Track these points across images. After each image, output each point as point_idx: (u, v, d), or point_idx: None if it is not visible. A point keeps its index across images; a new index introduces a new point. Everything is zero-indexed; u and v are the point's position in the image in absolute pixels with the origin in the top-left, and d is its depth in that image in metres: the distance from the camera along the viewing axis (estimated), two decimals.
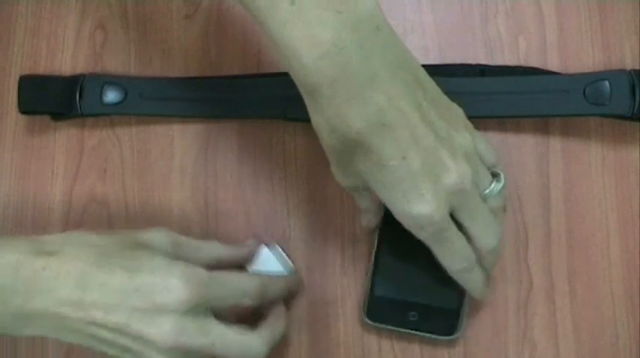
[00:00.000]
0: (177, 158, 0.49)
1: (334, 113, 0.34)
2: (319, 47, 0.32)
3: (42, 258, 0.36)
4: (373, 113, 0.33)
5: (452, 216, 0.37)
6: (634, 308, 0.44)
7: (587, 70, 0.47)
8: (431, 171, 0.35)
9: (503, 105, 0.45)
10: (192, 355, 0.37)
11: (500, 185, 0.38)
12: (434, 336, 0.43)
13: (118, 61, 0.50)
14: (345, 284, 0.46)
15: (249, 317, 0.42)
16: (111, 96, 0.48)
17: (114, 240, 0.39)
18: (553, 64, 0.47)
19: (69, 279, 0.36)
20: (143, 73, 0.50)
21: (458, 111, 0.38)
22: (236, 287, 0.39)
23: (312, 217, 0.47)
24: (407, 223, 0.36)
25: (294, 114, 0.46)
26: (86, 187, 0.49)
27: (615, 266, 0.45)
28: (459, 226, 0.37)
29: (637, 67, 0.47)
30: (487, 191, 0.38)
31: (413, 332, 0.43)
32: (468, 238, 0.38)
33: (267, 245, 0.45)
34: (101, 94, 0.48)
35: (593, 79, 0.44)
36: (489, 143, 0.40)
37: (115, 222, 0.48)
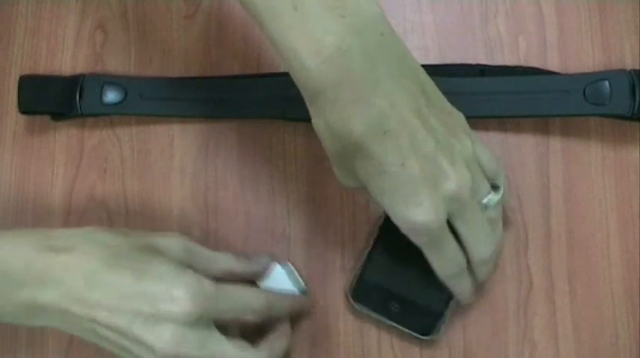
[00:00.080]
0: (177, 158, 0.49)
1: (336, 117, 0.34)
2: (322, 51, 0.32)
3: (54, 253, 0.37)
4: (375, 119, 0.33)
5: (448, 222, 0.37)
6: (634, 308, 0.44)
7: (587, 70, 0.47)
8: (430, 179, 0.35)
9: (503, 105, 0.45)
10: None
11: (498, 197, 0.38)
12: (410, 332, 0.43)
13: (118, 61, 0.50)
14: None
15: (254, 330, 0.42)
16: (111, 96, 0.48)
17: (128, 241, 0.39)
18: (553, 64, 0.48)
19: (78, 276, 0.37)
20: (143, 73, 0.50)
21: (459, 118, 0.38)
22: (241, 302, 0.39)
23: (312, 217, 0.47)
24: (403, 228, 0.36)
25: (294, 114, 0.46)
26: (86, 187, 0.49)
27: (615, 266, 0.45)
28: (455, 232, 0.37)
29: (637, 67, 0.47)
30: (485, 200, 0.38)
31: (391, 323, 0.44)
32: (462, 245, 0.38)
33: (280, 263, 0.44)
34: (101, 94, 0.48)
35: (593, 79, 0.44)
36: (492, 153, 0.40)
37: (115, 222, 0.48)
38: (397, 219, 0.36)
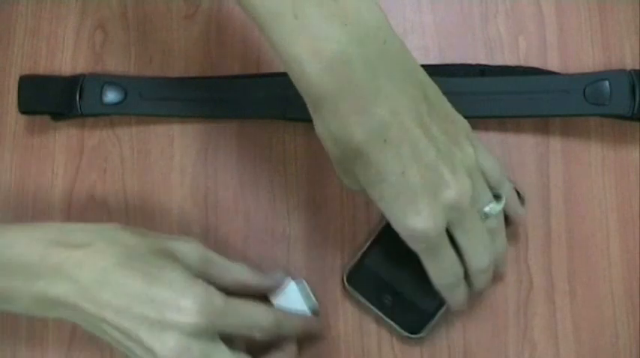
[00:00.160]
0: (177, 158, 0.49)
1: (337, 124, 0.34)
2: (323, 60, 0.32)
3: (70, 248, 0.37)
4: (375, 128, 0.33)
5: (448, 231, 0.37)
6: (634, 308, 0.44)
7: (587, 70, 0.47)
8: (430, 187, 0.35)
9: (503, 105, 0.45)
10: None
11: (500, 206, 0.38)
12: (397, 328, 0.44)
13: (118, 61, 0.50)
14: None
15: (261, 344, 0.41)
16: (111, 96, 0.48)
17: (145, 242, 0.39)
18: (553, 64, 0.48)
19: (91, 273, 0.37)
20: (143, 73, 0.50)
21: (463, 125, 0.38)
22: (250, 320, 0.39)
23: (312, 217, 0.47)
24: (402, 234, 0.36)
25: (294, 114, 0.46)
26: (86, 187, 0.49)
27: (615, 266, 0.45)
28: (454, 241, 0.37)
29: (637, 67, 0.47)
30: (486, 209, 0.38)
31: (381, 315, 0.44)
32: (461, 254, 0.38)
33: (294, 279, 0.44)
34: (101, 94, 0.48)
35: (593, 79, 0.44)
36: (497, 161, 0.40)
37: (115, 222, 0.48)
38: (396, 226, 0.36)
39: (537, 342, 0.44)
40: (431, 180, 0.35)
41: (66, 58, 0.51)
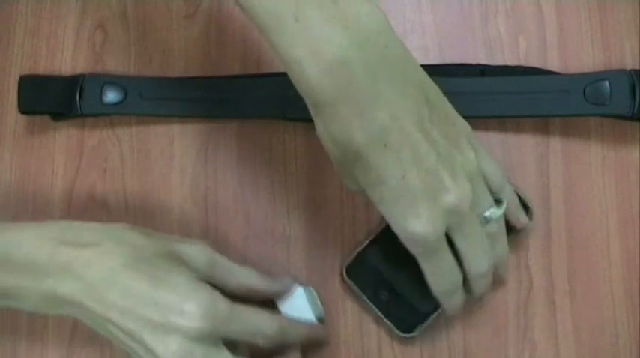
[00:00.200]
0: (177, 158, 0.49)
1: (337, 127, 0.34)
2: (324, 63, 0.32)
3: (79, 246, 0.38)
4: (375, 131, 0.33)
5: (448, 237, 0.37)
6: (634, 308, 0.44)
7: (587, 70, 0.47)
8: (430, 192, 0.35)
9: (503, 105, 0.45)
10: None
11: (500, 211, 0.39)
12: (391, 325, 0.44)
13: (118, 61, 0.50)
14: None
15: (263, 351, 0.41)
16: (111, 96, 0.48)
17: (154, 244, 0.39)
18: (553, 64, 0.48)
19: (98, 273, 0.37)
20: (143, 73, 0.50)
21: (465, 130, 0.38)
22: (253, 327, 0.39)
23: (312, 217, 0.47)
24: (401, 237, 0.36)
25: (294, 114, 0.46)
26: (86, 187, 0.49)
27: (615, 266, 0.45)
28: (453, 246, 0.37)
29: (637, 67, 0.47)
30: (487, 214, 0.38)
31: (375, 310, 0.44)
32: (460, 259, 0.38)
33: (303, 286, 0.44)
34: (101, 94, 0.48)
35: (593, 79, 0.44)
36: (499, 166, 0.40)
37: (115, 222, 0.48)
38: (395, 228, 0.36)
39: (537, 342, 0.44)
40: (431, 185, 0.35)
41: (66, 58, 0.51)
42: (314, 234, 0.47)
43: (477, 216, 0.37)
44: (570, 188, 0.46)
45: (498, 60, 0.48)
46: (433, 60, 0.48)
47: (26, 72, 0.51)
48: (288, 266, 0.47)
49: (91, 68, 0.50)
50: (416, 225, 0.35)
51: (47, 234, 0.38)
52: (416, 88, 0.34)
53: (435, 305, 0.42)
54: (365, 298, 0.44)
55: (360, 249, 0.44)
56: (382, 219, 0.45)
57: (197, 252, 0.40)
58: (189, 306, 0.37)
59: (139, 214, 0.48)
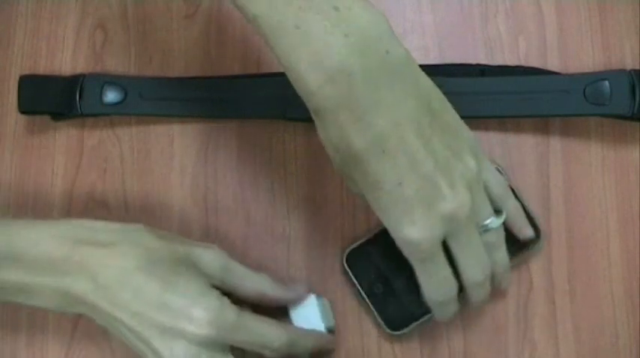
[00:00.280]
0: (177, 158, 0.49)
1: (337, 132, 0.34)
2: (324, 73, 0.32)
3: (93, 246, 0.38)
4: (374, 138, 0.33)
5: (446, 248, 0.37)
6: (634, 308, 0.44)
7: (587, 70, 0.47)
8: (426, 199, 0.35)
9: (503, 105, 0.45)
10: None
11: (500, 221, 0.39)
12: (380, 320, 0.44)
13: (118, 61, 0.50)
14: (345, 284, 0.46)
15: None
16: (111, 96, 0.48)
17: (167, 247, 0.39)
18: (553, 64, 0.48)
19: (111, 274, 0.37)
20: (143, 73, 0.50)
21: (467, 139, 0.38)
22: (261, 338, 0.39)
23: (312, 217, 0.47)
24: (397, 242, 0.37)
25: (294, 114, 0.46)
26: (86, 187, 0.49)
27: (615, 266, 0.45)
28: (450, 254, 0.37)
29: (637, 67, 0.47)
30: (486, 222, 0.38)
31: (367, 302, 0.44)
32: (456, 268, 0.38)
33: (316, 294, 0.44)
34: (101, 94, 0.48)
35: (593, 79, 0.44)
36: (501, 177, 0.40)
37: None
38: (392, 233, 0.36)
39: (537, 342, 0.44)
40: (427, 192, 0.35)
41: (66, 58, 0.51)
42: (314, 234, 0.47)
43: (474, 225, 0.37)
44: (570, 188, 0.46)
45: (498, 60, 0.48)
46: (433, 60, 0.48)
47: (26, 72, 0.51)
48: (288, 266, 0.47)
49: (91, 68, 0.50)
50: (411, 231, 0.35)
51: (64, 233, 0.39)
52: (418, 95, 0.34)
53: (427, 309, 0.42)
54: (359, 288, 0.44)
55: (364, 239, 0.45)
56: None
57: (211, 257, 0.40)
58: (198, 312, 0.37)
59: (139, 214, 0.48)
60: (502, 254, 0.40)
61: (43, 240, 0.38)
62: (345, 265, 0.44)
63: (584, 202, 0.46)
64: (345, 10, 0.32)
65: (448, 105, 0.37)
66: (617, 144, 0.46)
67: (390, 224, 0.36)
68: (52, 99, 0.48)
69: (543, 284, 0.45)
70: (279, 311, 0.43)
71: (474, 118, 0.45)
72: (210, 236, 0.47)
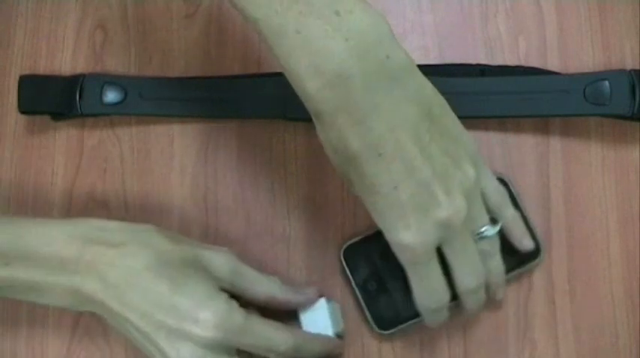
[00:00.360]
0: (177, 158, 0.49)
1: (335, 135, 0.34)
2: (323, 77, 0.32)
3: (104, 246, 0.38)
4: (371, 141, 0.34)
5: (442, 257, 0.37)
6: (634, 308, 0.44)
7: (587, 70, 0.47)
8: (421, 205, 0.35)
9: (503, 105, 0.45)
10: None
11: (495, 230, 0.39)
12: (369, 318, 0.44)
13: (118, 61, 0.50)
14: (345, 284, 0.46)
15: None
16: (111, 96, 0.48)
17: (177, 249, 0.39)
18: (553, 64, 0.48)
19: (121, 274, 0.38)
20: (143, 73, 0.50)
21: (467, 146, 0.37)
22: (267, 342, 0.39)
23: (312, 217, 0.47)
24: (391, 245, 0.37)
25: (294, 114, 0.46)
26: (86, 187, 0.49)
27: (615, 266, 0.45)
28: (445, 261, 0.37)
29: (637, 67, 0.47)
30: (481, 230, 0.38)
31: (360, 298, 0.44)
32: (450, 275, 0.38)
33: (326, 298, 0.44)
34: (101, 94, 0.48)
35: (593, 79, 0.44)
36: (501, 186, 0.40)
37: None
38: (386, 236, 0.37)
39: (537, 342, 0.44)
40: (422, 198, 0.35)
41: (66, 58, 0.51)
42: (314, 234, 0.47)
43: (470, 232, 0.37)
44: (570, 188, 0.46)
45: (498, 60, 0.48)
46: (433, 60, 0.48)
47: (26, 72, 0.51)
48: (288, 266, 0.47)
49: (91, 68, 0.50)
50: (405, 236, 0.35)
51: (75, 232, 0.39)
52: (418, 100, 0.34)
53: (417, 313, 0.42)
54: (353, 283, 0.44)
55: (364, 235, 0.45)
56: None
57: (222, 260, 0.40)
58: (205, 315, 0.37)
59: (139, 214, 0.48)
60: (497, 263, 0.40)
61: (53, 239, 0.39)
62: (342, 258, 0.45)
63: (584, 202, 0.46)
64: (345, 14, 0.32)
65: (449, 111, 0.37)
66: (617, 144, 0.46)
67: (385, 227, 0.36)
68: (52, 99, 0.48)
69: (543, 284, 0.45)
70: (289, 315, 0.43)
71: (474, 118, 0.45)
72: (210, 236, 0.47)
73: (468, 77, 0.47)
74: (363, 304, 0.44)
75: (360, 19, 0.33)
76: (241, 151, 0.48)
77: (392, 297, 0.44)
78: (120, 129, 0.49)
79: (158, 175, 0.49)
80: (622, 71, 0.44)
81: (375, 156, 0.34)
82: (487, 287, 0.40)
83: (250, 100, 0.47)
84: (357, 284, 0.44)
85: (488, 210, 0.39)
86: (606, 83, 0.44)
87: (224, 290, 0.40)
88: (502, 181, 0.43)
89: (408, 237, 0.35)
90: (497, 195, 0.40)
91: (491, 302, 0.42)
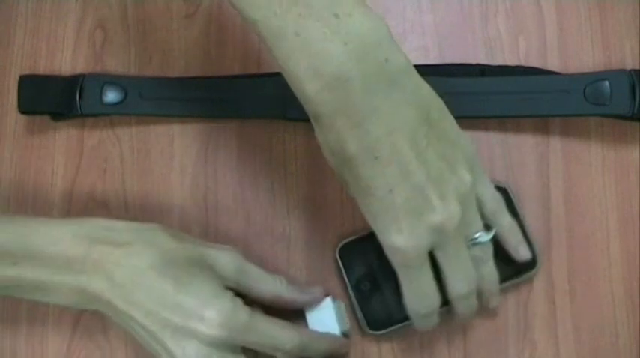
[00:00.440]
0: (177, 158, 0.49)
1: (332, 137, 0.34)
2: (322, 80, 0.32)
3: (111, 246, 0.39)
4: (368, 145, 0.34)
5: (433, 259, 0.37)
6: (634, 308, 0.44)
7: (587, 70, 0.47)
8: (415, 209, 0.35)
9: (503, 105, 0.45)
10: None
11: (488, 237, 0.39)
12: (361, 317, 0.44)
13: (118, 61, 0.50)
14: (345, 284, 0.46)
15: None
16: (111, 96, 0.48)
17: (183, 248, 0.40)
18: (553, 64, 0.48)
19: (126, 273, 0.38)
20: (143, 73, 0.50)
21: (465, 151, 0.37)
22: (273, 341, 0.39)
23: (312, 217, 0.47)
24: (384, 248, 0.37)
25: (294, 114, 0.46)
26: (86, 187, 0.49)
27: (615, 266, 0.45)
28: (437, 266, 0.38)
29: (637, 67, 0.47)
30: (474, 236, 0.38)
31: (352, 297, 0.44)
32: (442, 280, 0.38)
33: (332, 297, 0.44)
34: (101, 94, 0.48)
35: (593, 79, 0.44)
36: (497, 193, 0.40)
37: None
38: (379, 238, 0.37)
39: (537, 342, 0.44)
40: (417, 202, 0.35)
41: (66, 58, 0.51)
42: (314, 234, 0.47)
43: (463, 238, 0.38)
44: (570, 188, 0.46)
45: (498, 60, 0.48)
46: (433, 60, 0.48)
47: (26, 72, 0.51)
48: (288, 266, 0.47)
49: (91, 68, 0.50)
50: (398, 239, 0.36)
51: (81, 232, 0.39)
52: (416, 104, 0.34)
53: (407, 317, 0.42)
54: (347, 282, 0.44)
55: (361, 234, 0.45)
56: None
57: (227, 259, 0.41)
58: (210, 313, 0.37)
59: (139, 214, 0.48)
60: (490, 269, 0.40)
61: (60, 238, 0.39)
62: (338, 256, 0.45)
63: (584, 202, 0.46)
64: (345, 17, 0.32)
65: (448, 114, 0.37)
66: (617, 144, 0.46)
67: (379, 229, 0.36)
68: (52, 99, 0.48)
69: (543, 285, 0.45)
70: (296, 314, 0.43)
71: (474, 118, 0.45)
72: (209, 236, 0.47)
73: (467, 77, 0.47)
74: (355, 303, 0.44)
75: (359, 22, 0.33)
76: (241, 151, 0.48)
77: (385, 298, 0.44)
78: (120, 129, 0.49)
79: (158, 175, 0.49)
80: (622, 71, 0.44)
81: (371, 159, 0.34)
82: (480, 295, 0.40)
83: (250, 100, 0.47)
84: (350, 283, 0.44)
85: (484, 217, 0.39)
86: (606, 83, 0.44)
87: (229, 288, 0.40)
88: (502, 189, 0.43)
89: (400, 241, 0.36)
90: (493, 202, 0.40)
91: (486, 310, 0.42)
